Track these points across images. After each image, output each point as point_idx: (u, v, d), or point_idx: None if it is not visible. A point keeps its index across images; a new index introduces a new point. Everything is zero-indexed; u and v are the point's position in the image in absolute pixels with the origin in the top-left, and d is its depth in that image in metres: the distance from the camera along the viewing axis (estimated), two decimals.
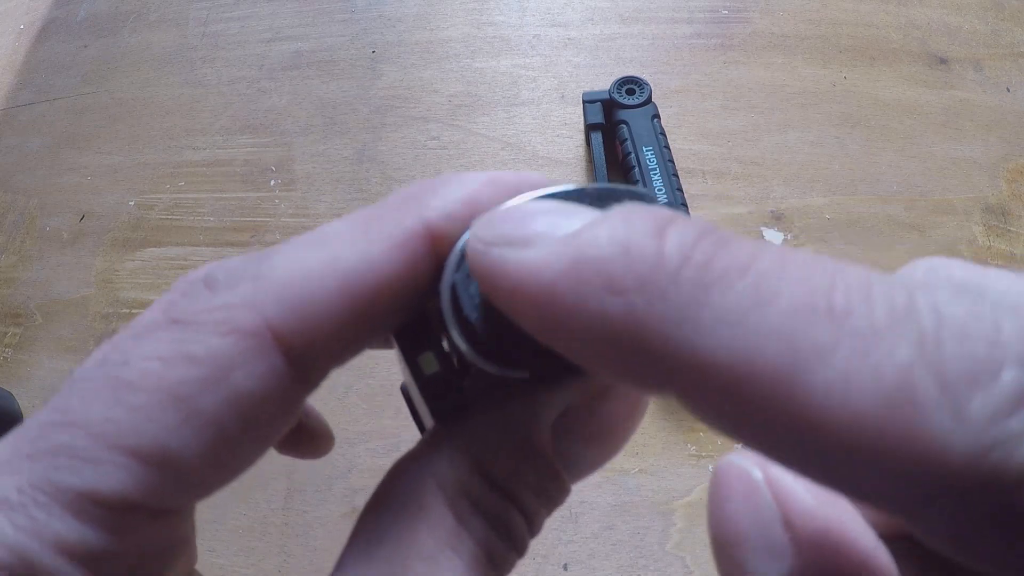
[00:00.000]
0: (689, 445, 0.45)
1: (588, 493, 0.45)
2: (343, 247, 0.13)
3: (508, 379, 0.14)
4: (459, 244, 0.14)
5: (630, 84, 0.56)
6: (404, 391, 0.18)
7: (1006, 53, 0.62)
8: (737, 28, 0.64)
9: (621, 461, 0.45)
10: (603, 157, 0.54)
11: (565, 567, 0.43)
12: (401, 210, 0.14)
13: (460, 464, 0.14)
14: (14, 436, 0.13)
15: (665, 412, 0.46)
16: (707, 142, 0.58)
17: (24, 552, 0.12)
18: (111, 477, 0.12)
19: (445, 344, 0.15)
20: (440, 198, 0.14)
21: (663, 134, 0.53)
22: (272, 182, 0.59)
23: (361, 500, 0.45)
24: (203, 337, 0.13)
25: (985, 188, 0.55)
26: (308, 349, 0.13)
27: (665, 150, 0.52)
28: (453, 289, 0.13)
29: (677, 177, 0.52)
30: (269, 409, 0.13)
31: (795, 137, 0.58)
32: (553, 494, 0.15)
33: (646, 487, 0.44)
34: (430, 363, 0.14)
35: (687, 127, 0.58)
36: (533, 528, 0.15)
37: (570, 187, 0.14)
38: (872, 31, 0.63)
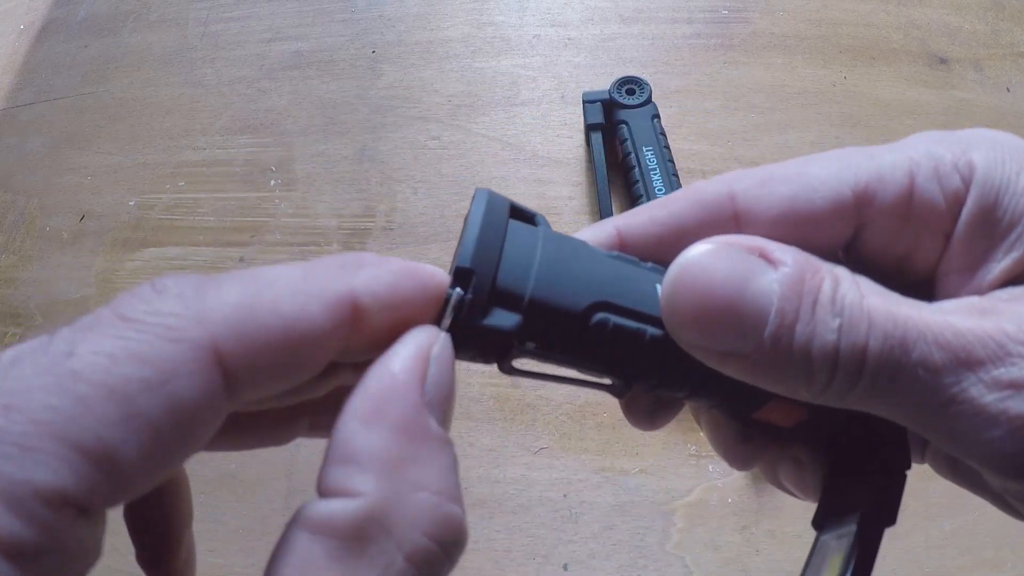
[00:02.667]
0: (689, 445, 0.45)
1: (588, 493, 0.45)
2: (285, 294, 0.15)
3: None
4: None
5: (630, 84, 0.56)
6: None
7: (1006, 53, 0.62)
8: (737, 28, 0.64)
9: (621, 461, 0.45)
10: (603, 157, 0.54)
11: (565, 567, 0.43)
12: (336, 276, 0.16)
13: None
14: None
15: None
16: (707, 142, 0.58)
17: None
18: (50, 469, 0.12)
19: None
20: (367, 276, 0.16)
21: (663, 134, 0.53)
22: (272, 182, 0.59)
23: None
24: (151, 339, 0.13)
25: None
26: (243, 373, 0.14)
27: (665, 150, 0.52)
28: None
29: (677, 177, 0.52)
30: (201, 419, 0.14)
31: (795, 137, 0.58)
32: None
33: (646, 487, 0.44)
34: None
35: (687, 127, 0.58)
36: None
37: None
38: (872, 31, 0.63)
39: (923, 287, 0.18)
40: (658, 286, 0.18)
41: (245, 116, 0.63)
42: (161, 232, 0.58)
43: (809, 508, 0.20)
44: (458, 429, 0.47)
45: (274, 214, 0.58)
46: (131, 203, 0.60)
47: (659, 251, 0.19)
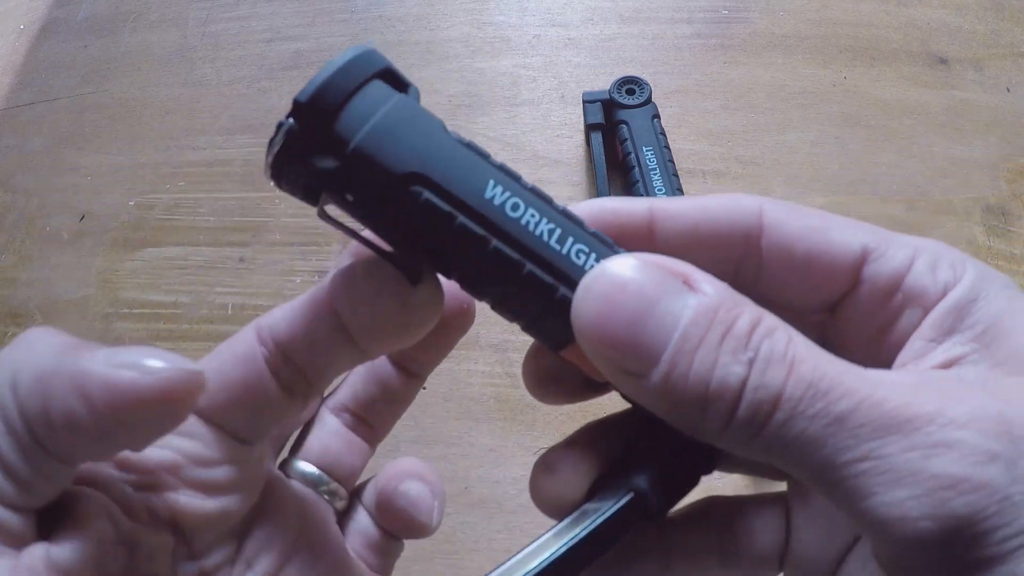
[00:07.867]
0: None
1: None
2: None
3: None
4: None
5: (630, 84, 0.56)
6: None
7: (1006, 53, 0.62)
8: (737, 28, 0.64)
9: None
10: (603, 157, 0.54)
11: None
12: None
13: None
14: None
15: None
16: (707, 142, 0.58)
17: None
18: None
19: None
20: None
21: (663, 134, 0.53)
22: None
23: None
24: None
25: (985, 188, 0.55)
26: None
27: (665, 150, 0.52)
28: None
29: (677, 177, 0.52)
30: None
31: (795, 137, 0.58)
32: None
33: None
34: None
35: (687, 127, 0.58)
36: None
37: None
38: (872, 31, 0.63)
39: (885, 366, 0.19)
40: (491, 182, 0.18)
41: (245, 116, 0.63)
42: (161, 232, 0.58)
43: None
44: (458, 429, 0.47)
45: (274, 214, 0.58)
46: (131, 203, 0.60)
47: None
